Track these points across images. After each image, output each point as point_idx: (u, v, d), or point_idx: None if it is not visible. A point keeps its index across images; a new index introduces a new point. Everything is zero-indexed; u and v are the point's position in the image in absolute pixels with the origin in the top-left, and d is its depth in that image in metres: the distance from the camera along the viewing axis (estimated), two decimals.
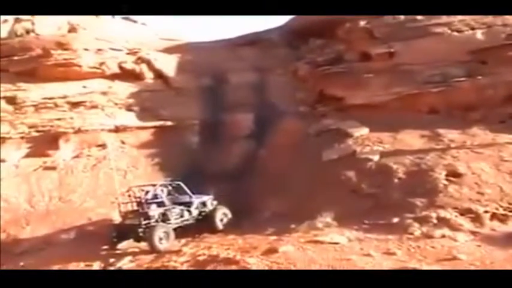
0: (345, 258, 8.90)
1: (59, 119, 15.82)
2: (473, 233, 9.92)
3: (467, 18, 15.86)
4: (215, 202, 13.32)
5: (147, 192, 12.57)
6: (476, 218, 10.33)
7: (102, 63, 17.04)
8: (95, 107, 16.49)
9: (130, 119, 16.89)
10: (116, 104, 16.89)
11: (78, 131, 15.91)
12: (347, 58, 17.30)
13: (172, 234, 11.77)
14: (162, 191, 12.80)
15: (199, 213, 13.03)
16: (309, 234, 10.64)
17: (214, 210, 13.05)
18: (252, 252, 9.57)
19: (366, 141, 14.11)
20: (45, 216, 13.55)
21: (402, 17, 16.77)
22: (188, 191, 13.02)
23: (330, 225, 11.09)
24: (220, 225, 12.81)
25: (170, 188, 13.19)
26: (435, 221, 10.33)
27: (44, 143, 15.47)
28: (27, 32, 17.75)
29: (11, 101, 15.45)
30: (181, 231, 12.16)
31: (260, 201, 13.43)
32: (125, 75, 17.53)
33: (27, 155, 15.38)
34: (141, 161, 15.87)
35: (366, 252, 9.16)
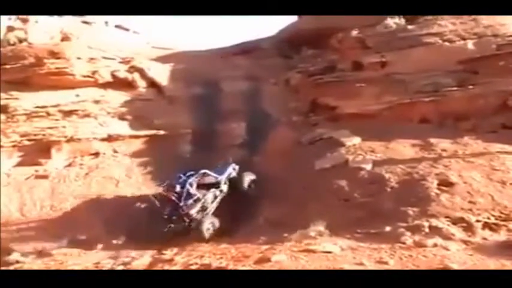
0: (338, 267, 8.89)
1: (51, 128, 15.78)
2: (465, 242, 9.93)
3: (458, 28, 16.01)
4: (237, 167, 14.01)
5: (180, 190, 12.73)
6: (468, 227, 10.34)
7: (94, 72, 17.03)
8: (87, 115, 16.46)
9: (123, 127, 16.87)
10: (109, 112, 16.87)
11: (71, 139, 15.88)
12: (339, 67, 17.36)
13: (216, 222, 12.56)
14: (191, 185, 12.86)
15: (229, 186, 13.61)
16: (301, 243, 10.61)
17: (240, 177, 13.80)
18: (244, 261, 9.55)
19: (358, 150, 14.14)
20: (36, 225, 13.48)
21: (394, 26, 16.89)
22: (213, 174, 13.44)
23: (322, 234, 11.07)
24: (248, 191, 13.71)
25: (197, 178, 13.24)
26: (427, 230, 10.33)
27: (36, 151, 15.43)
28: (20, 40, 17.77)
29: (3, 109, 15.42)
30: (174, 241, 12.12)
31: (252, 210, 13.42)
32: (118, 84, 17.52)
33: (19, 164, 15.34)
34: (134, 170, 15.85)
35: (359, 261, 9.15)
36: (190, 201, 12.59)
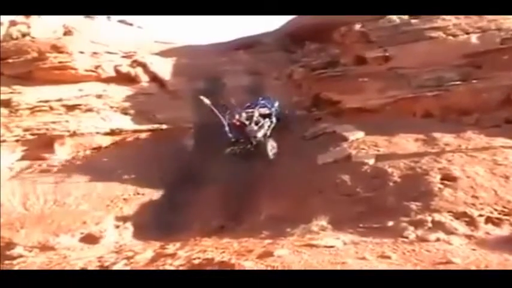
0: (340, 261, 8.88)
1: (54, 122, 15.80)
2: (468, 236, 9.90)
3: (462, 22, 15.94)
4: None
5: (239, 118, 14.87)
6: (471, 222, 10.31)
7: (97, 67, 17.04)
8: (90, 110, 16.46)
9: (125, 122, 16.87)
10: (111, 107, 16.87)
11: (74, 134, 15.90)
12: (342, 62, 17.33)
13: (275, 145, 14.83)
14: (255, 113, 15.11)
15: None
16: (304, 237, 10.62)
17: (282, 112, 16.19)
18: (247, 256, 9.55)
19: (361, 144, 14.11)
20: (40, 220, 13.51)
21: (397, 20, 16.82)
22: (268, 105, 15.80)
23: (325, 229, 11.06)
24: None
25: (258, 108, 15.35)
26: (430, 225, 10.31)
27: (39, 146, 15.46)
28: (23, 35, 17.77)
29: (6, 104, 15.44)
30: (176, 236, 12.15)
31: (255, 204, 13.42)
32: (121, 78, 17.53)
33: (22, 158, 15.37)
34: (137, 164, 15.83)
35: (361, 256, 9.14)
36: (256, 127, 14.79)
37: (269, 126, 15.29)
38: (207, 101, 14.92)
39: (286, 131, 16.00)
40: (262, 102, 15.76)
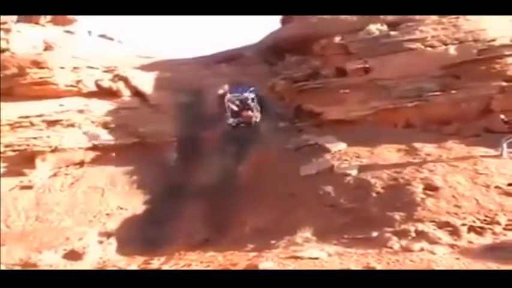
0: None
1: (35, 138, 15.67)
2: (451, 245, 10.01)
3: (440, 34, 16.15)
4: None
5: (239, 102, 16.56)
6: (454, 231, 10.43)
7: (78, 81, 16.96)
8: (71, 125, 16.36)
9: (107, 136, 16.77)
10: (93, 122, 16.77)
11: (55, 149, 15.77)
12: (323, 74, 17.43)
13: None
14: (249, 99, 16.70)
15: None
16: (288, 250, 10.65)
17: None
18: (232, 269, 9.55)
19: (344, 156, 14.20)
20: (21, 236, 13.36)
21: (377, 32, 16.99)
22: (257, 91, 17.06)
23: (309, 241, 11.12)
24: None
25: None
26: (414, 235, 10.42)
27: (21, 162, 15.31)
28: (3, 50, 17.60)
29: None
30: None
31: (239, 217, 13.41)
32: (102, 93, 17.45)
33: (3, 175, 15.19)
34: (119, 179, 15.75)
35: (346, 267, 9.20)
36: (249, 112, 16.38)
37: (258, 109, 16.76)
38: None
39: (270, 143, 16.06)
40: (252, 88, 17.04)
